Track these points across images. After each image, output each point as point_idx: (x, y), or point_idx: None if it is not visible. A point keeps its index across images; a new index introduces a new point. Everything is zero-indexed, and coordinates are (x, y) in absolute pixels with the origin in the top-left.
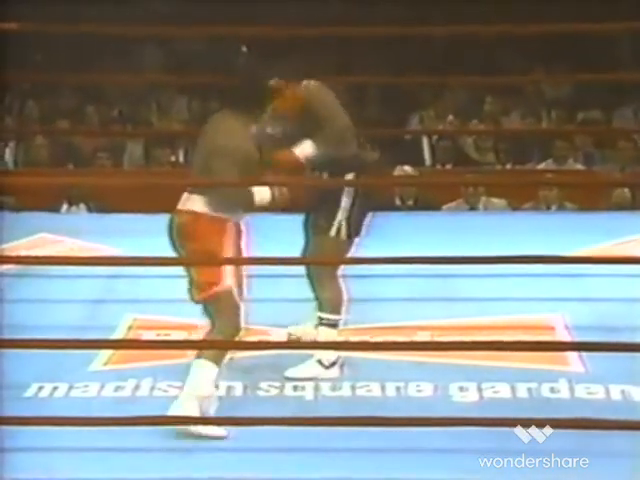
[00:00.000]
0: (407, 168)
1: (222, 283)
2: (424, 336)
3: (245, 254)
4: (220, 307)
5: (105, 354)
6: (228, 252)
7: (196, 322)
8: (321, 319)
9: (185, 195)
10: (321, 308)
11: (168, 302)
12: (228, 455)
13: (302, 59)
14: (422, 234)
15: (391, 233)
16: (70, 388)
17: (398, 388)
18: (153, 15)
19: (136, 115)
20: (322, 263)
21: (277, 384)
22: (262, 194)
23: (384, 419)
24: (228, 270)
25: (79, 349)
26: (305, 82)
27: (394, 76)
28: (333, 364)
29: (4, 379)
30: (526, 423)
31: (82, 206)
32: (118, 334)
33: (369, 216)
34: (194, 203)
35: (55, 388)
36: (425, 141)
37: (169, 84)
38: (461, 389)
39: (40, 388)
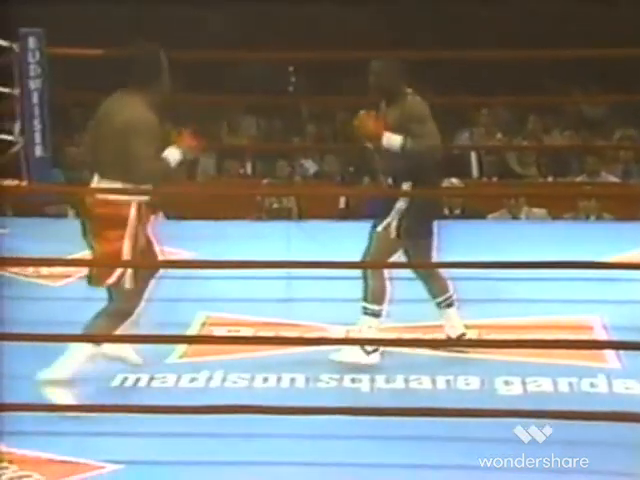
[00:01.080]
0: (454, 180)
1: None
2: (472, 334)
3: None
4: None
5: (181, 348)
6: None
7: (264, 320)
8: (365, 309)
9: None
10: (365, 298)
11: (238, 301)
12: (290, 441)
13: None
14: (469, 241)
15: (440, 239)
16: (151, 379)
17: (448, 381)
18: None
19: (207, 132)
20: (374, 267)
21: (336, 376)
22: (173, 155)
23: (435, 410)
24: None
25: (158, 343)
26: (408, 92)
27: (441, 95)
28: (375, 350)
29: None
30: (567, 415)
31: (161, 214)
32: (192, 330)
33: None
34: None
35: (138, 379)
36: (473, 156)
37: (236, 104)
38: (506, 383)
39: (125, 379)
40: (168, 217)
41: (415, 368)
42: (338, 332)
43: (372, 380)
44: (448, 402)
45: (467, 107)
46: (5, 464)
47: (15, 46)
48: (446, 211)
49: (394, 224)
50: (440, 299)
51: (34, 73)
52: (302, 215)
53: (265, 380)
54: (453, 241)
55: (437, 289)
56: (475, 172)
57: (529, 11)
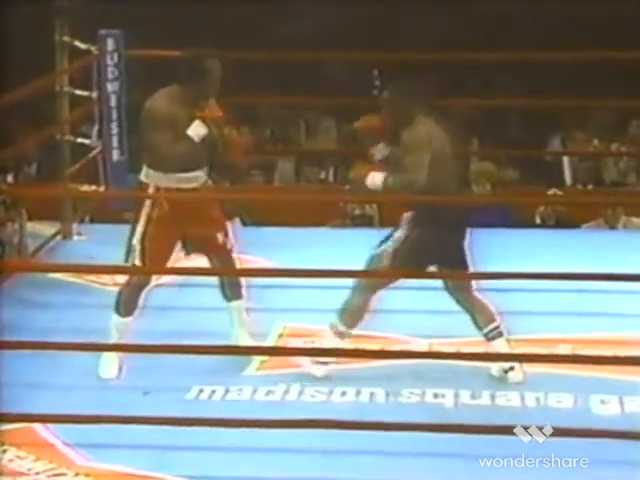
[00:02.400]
0: (555, 191)
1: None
2: (565, 349)
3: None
4: None
5: (257, 360)
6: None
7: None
8: (490, 331)
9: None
10: (479, 324)
11: (316, 311)
12: (370, 458)
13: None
14: (563, 251)
15: (532, 249)
16: (226, 391)
17: (537, 399)
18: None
19: (285, 135)
20: (471, 277)
21: (418, 391)
22: (196, 130)
23: (525, 428)
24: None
25: (235, 355)
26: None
27: (534, 97)
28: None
29: (163, 382)
30: None
31: (237, 220)
32: (269, 341)
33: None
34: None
35: (213, 391)
36: (566, 162)
37: (316, 106)
38: (602, 402)
39: (200, 391)
40: (245, 224)
41: (502, 384)
42: (421, 345)
43: (456, 395)
44: (538, 420)
45: (560, 110)
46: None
47: (94, 48)
48: (538, 220)
49: (388, 253)
50: (486, 329)
51: (112, 76)
52: (384, 223)
53: (343, 394)
54: (546, 251)
55: (482, 320)
56: (568, 179)
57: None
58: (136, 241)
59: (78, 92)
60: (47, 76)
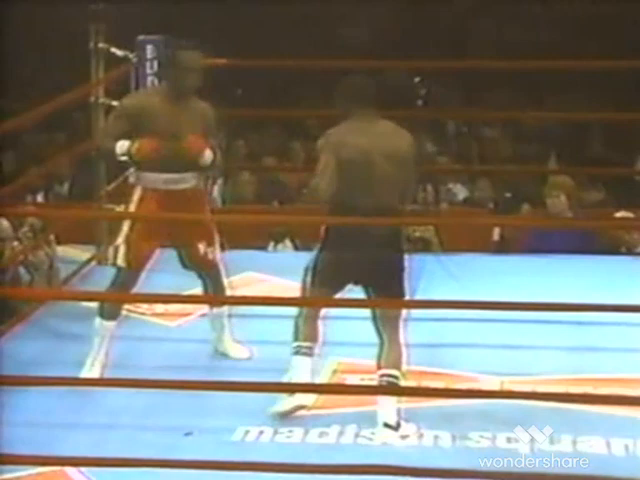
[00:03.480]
0: (624, 213)
1: None
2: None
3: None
4: None
5: (309, 398)
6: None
7: (404, 367)
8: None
9: None
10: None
11: (373, 345)
12: None
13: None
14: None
15: (613, 279)
16: (275, 433)
17: (626, 446)
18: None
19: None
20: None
21: (488, 435)
22: (123, 147)
23: None
24: None
25: (278, 392)
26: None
27: (618, 112)
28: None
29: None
30: None
31: (288, 243)
32: (322, 378)
33: None
34: None
35: (261, 432)
36: None
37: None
38: None
39: (246, 432)
40: (296, 247)
41: (584, 427)
42: (491, 383)
43: (532, 440)
44: (628, 471)
45: None
46: None
47: (132, 56)
48: (624, 249)
49: (308, 270)
50: (382, 372)
51: (152, 86)
52: (444, 247)
53: (404, 436)
54: (630, 282)
55: (387, 359)
56: None
57: None
58: (121, 240)
59: (115, 104)
60: (81, 86)
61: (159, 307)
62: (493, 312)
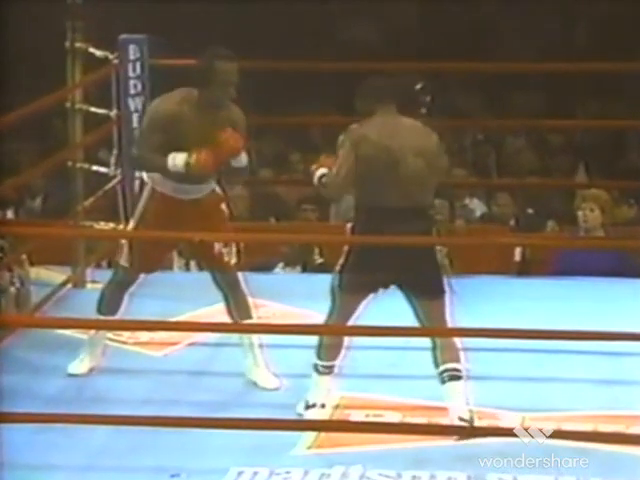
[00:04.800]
0: None
1: None
2: None
3: None
4: None
5: (309, 436)
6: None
7: (411, 401)
8: (445, 370)
9: None
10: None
11: (379, 377)
12: None
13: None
14: None
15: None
16: (271, 474)
17: None
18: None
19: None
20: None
21: (508, 477)
22: (176, 160)
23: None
24: None
25: (280, 430)
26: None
27: None
28: (313, 406)
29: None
30: None
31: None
32: (324, 414)
33: None
34: None
35: (255, 473)
36: None
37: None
38: None
39: (240, 473)
40: (305, 269)
41: (611, 470)
42: (512, 420)
43: None
44: None
45: None
46: None
47: (112, 56)
48: None
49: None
50: (443, 367)
51: (134, 90)
52: (456, 269)
53: (415, 478)
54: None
55: (444, 356)
56: None
57: None
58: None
59: (94, 110)
60: (57, 90)
61: (143, 335)
62: (514, 341)
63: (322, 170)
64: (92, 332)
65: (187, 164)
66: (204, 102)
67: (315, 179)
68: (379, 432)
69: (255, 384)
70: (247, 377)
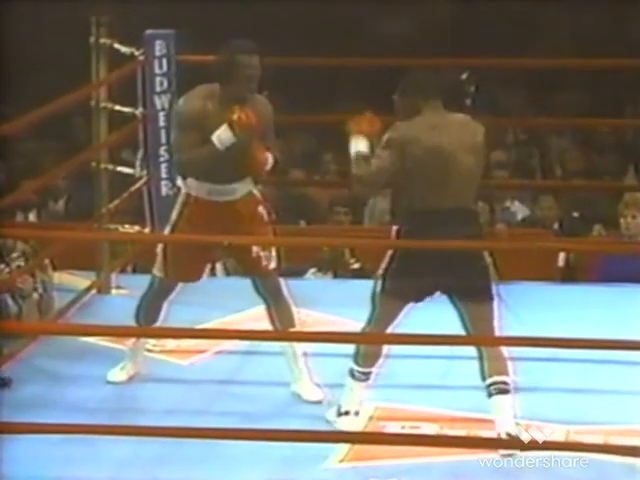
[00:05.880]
0: None
1: None
2: None
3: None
4: None
5: (342, 449)
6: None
7: (449, 413)
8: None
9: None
10: (485, 373)
11: (416, 388)
12: None
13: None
14: None
15: None
16: None
17: None
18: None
19: None
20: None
21: None
22: (221, 137)
23: None
24: None
25: (312, 442)
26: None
27: None
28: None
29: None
30: None
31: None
32: (358, 422)
33: None
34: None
35: None
36: None
37: None
38: None
39: None
40: (336, 275)
41: None
42: (556, 432)
43: None
44: None
45: None
46: None
47: (138, 53)
48: None
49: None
50: (490, 381)
51: (161, 88)
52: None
53: None
54: None
55: (491, 369)
56: None
57: None
58: (159, 248)
59: (118, 108)
60: (81, 88)
61: (170, 343)
62: (557, 350)
63: (362, 144)
64: (132, 340)
65: (231, 127)
66: (227, 97)
67: (352, 151)
68: (415, 444)
69: (299, 396)
70: (291, 389)
